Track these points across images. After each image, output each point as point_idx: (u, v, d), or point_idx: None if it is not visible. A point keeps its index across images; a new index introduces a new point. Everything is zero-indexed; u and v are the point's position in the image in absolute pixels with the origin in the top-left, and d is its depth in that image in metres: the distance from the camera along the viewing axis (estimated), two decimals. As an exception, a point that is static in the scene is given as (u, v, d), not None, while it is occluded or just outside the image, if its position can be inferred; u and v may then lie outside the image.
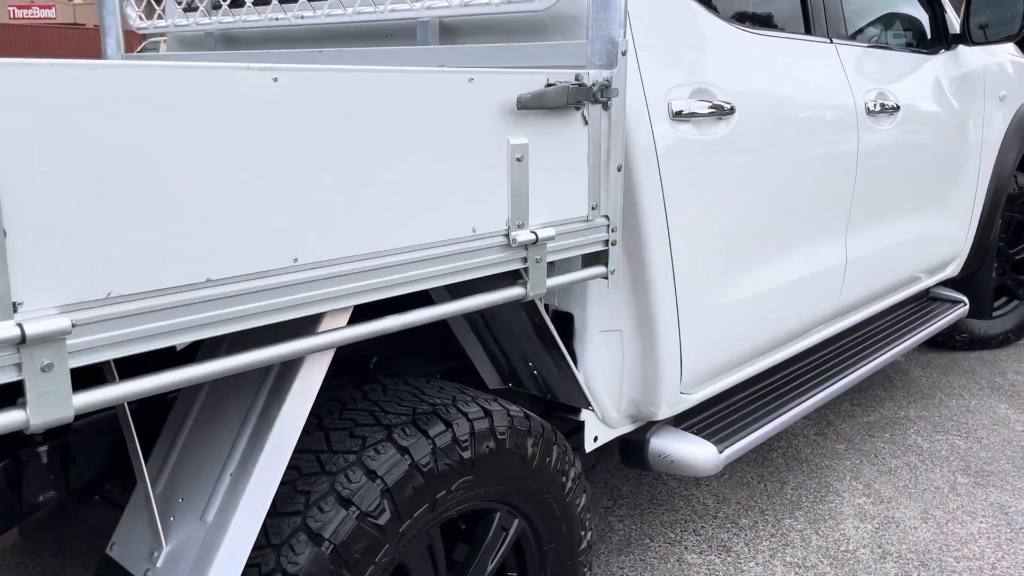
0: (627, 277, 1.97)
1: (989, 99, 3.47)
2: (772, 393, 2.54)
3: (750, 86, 2.15)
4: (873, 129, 2.65)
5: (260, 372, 1.38)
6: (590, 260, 1.72)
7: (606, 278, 1.71)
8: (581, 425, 2.06)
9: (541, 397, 2.06)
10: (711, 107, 2.01)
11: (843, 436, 3.26)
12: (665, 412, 2.13)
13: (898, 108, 2.79)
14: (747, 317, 2.26)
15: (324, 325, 1.31)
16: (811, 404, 2.57)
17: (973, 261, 3.66)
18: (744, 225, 2.17)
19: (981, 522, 2.69)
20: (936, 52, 3.23)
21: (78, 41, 22.06)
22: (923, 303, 3.56)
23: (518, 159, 1.46)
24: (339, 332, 1.28)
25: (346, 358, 1.75)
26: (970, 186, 3.46)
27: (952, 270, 3.57)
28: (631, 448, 2.22)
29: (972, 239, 3.58)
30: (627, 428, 2.19)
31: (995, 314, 4.12)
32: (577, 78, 1.55)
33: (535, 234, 1.50)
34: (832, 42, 2.57)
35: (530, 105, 1.42)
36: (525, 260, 1.51)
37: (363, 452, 1.43)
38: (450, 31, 2.04)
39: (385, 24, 2.16)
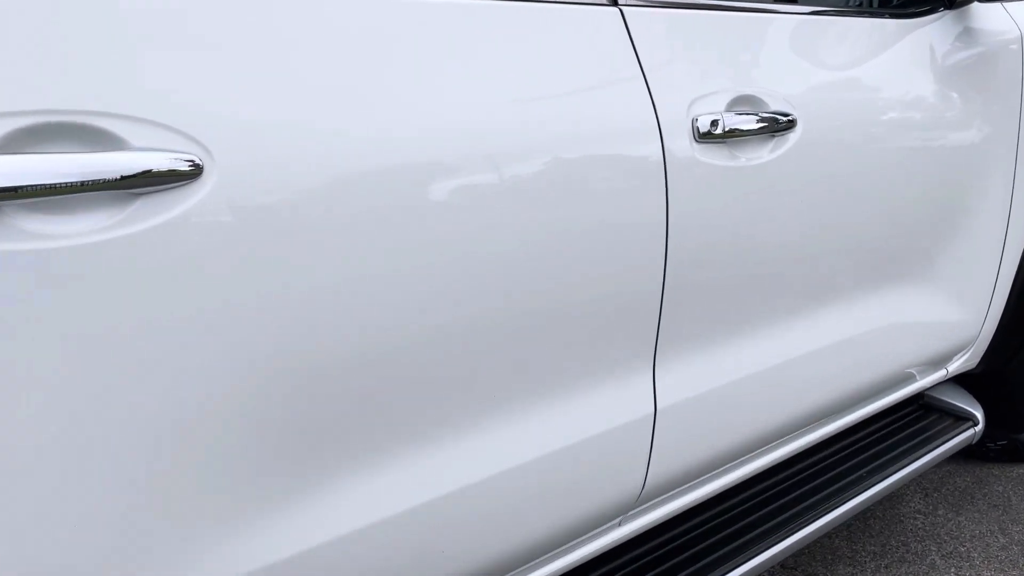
0: None
1: (1034, 90, 2.09)
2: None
3: (288, 117, 0.96)
4: (714, 170, 1.39)
5: None
6: None
7: None
8: None
9: None
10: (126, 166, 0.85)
11: (740, 638, 2.03)
12: None
13: (792, 123, 1.51)
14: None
15: None
16: None
17: (1003, 345, 2.30)
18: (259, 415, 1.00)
19: None
20: (926, 13, 1.89)
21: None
22: (908, 417, 2.24)
23: None
24: None
25: None
26: (991, 234, 2.10)
27: (964, 362, 2.24)
28: None
29: (998, 314, 2.23)
30: None
31: (1055, 411, 2.72)
32: None
33: None
34: (616, 3, 1.32)
35: None
36: None
37: None
38: None
39: None
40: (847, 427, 2.00)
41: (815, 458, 2.00)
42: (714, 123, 1.38)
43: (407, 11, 1.10)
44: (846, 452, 2.06)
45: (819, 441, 1.93)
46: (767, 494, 1.91)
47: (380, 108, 1.04)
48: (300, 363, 1.00)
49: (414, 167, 1.06)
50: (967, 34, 1.95)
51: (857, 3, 1.87)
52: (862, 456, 2.05)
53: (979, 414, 2.20)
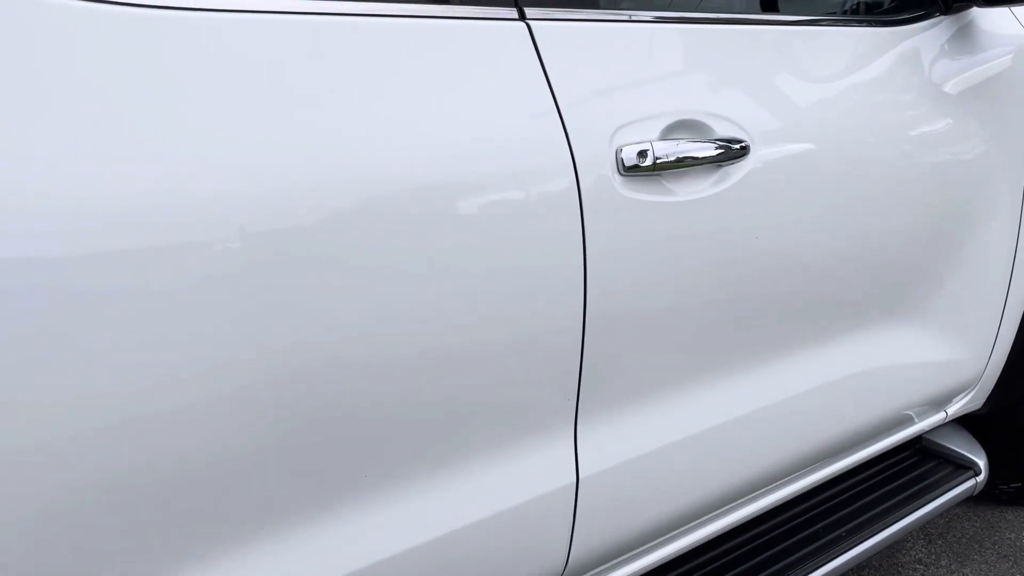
0: None
1: (1046, 105, 1.86)
2: None
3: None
4: (644, 207, 1.21)
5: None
6: None
7: None
8: None
9: None
10: None
11: None
12: None
13: (744, 150, 1.32)
14: None
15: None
16: None
17: (1012, 385, 2.08)
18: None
19: None
20: (917, 19, 1.69)
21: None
22: (902, 465, 2.03)
23: None
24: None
25: None
26: (996, 264, 1.89)
27: (966, 404, 2.02)
28: None
29: (1005, 351, 2.01)
30: None
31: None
32: None
33: None
34: (523, 18, 1.14)
35: None
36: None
37: None
38: None
39: None
40: (829, 478, 1.80)
41: (790, 513, 1.81)
42: (642, 154, 1.19)
43: (253, 30, 0.93)
44: (828, 505, 1.86)
45: (794, 495, 1.73)
46: (736, 553, 1.72)
47: (208, 151, 0.88)
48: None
49: (251, 221, 0.90)
50: (966, 42, 1.74)
51: (842, 10, 1.67)
52: (846, 510, 1.85)
53: (981, 462, 1.99)
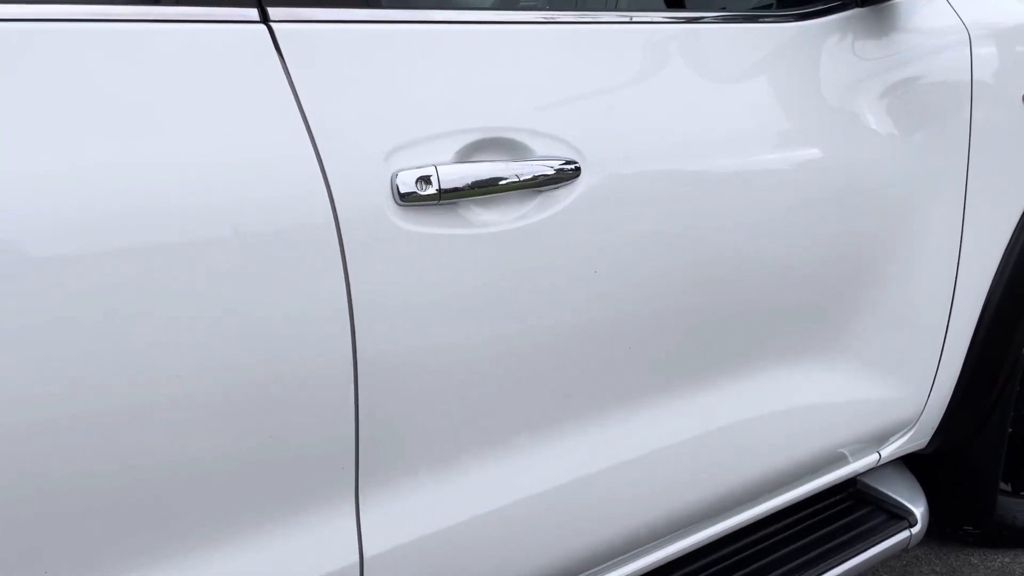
0: None
1: (989, 108, 1.63)
2: None
3: None
4: (433, 242, 1.03)
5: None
6: None
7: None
8: None
9: None
10: None
11: None
12: None
13: (576, 172, 1.12)
14: None
15: None
16: None
17: (960, 424, 1.85)
18: None
19: None
20: (825, 12, 1.47)
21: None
22: (830, 511, 1.81)
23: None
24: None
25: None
26: (933, 291, 1.67)
27: (904, 444, 1.80)
28: None
29: (950, 386, 1.78)
30: None
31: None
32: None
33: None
34: (266, 19, 0.96)
35: None
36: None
37: None
38: None
39: None
40: (731, 531, 1.60)
41: (689, 568, 1.61)
42: (424, 180, 1.01)
43: None
44: (737, 558, 1.66)
45: (686, 551, 1.53)
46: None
47: None
48: None
49: None
50: (886, 37, 1.52)
51: (734, 5, 1.46)
52: (757, 564, 1.65)
53: (918, 511, 1.76)
